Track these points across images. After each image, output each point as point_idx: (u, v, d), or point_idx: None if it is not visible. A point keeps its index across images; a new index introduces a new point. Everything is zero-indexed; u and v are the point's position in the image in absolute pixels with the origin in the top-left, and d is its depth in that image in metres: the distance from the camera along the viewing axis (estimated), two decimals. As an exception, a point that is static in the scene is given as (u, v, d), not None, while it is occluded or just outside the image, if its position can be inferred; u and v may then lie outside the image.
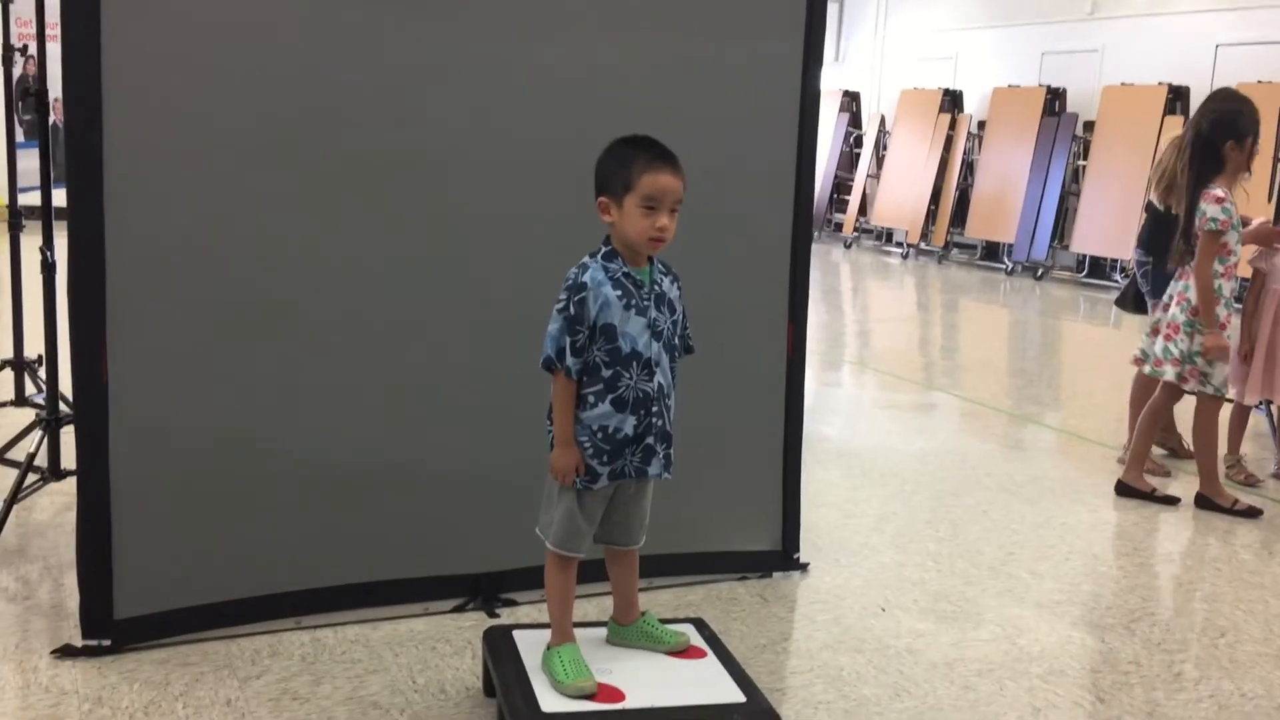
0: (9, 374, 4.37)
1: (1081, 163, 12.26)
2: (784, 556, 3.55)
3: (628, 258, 2.46)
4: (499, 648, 2.60)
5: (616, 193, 2.41)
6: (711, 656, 2.63)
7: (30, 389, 4.35)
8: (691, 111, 3.23)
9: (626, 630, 2.66)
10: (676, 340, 2.54)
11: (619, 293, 2.42)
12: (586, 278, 2.42)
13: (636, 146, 2.41)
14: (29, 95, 3.46)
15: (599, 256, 2.46)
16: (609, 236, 2.48)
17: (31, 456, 3.61)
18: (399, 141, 2.97)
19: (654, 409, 2.47)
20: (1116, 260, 11.73)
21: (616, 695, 2.42)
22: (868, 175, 15.24)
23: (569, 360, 2.40)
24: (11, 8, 4.03)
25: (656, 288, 2.49)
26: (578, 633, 2.56)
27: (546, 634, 2.56)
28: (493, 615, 3.12)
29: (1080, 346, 8.82)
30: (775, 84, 3.35)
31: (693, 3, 3.22)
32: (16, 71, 4.15)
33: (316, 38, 2.85)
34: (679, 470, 2.60)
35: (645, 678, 2.51)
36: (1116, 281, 11.64)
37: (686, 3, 3.22)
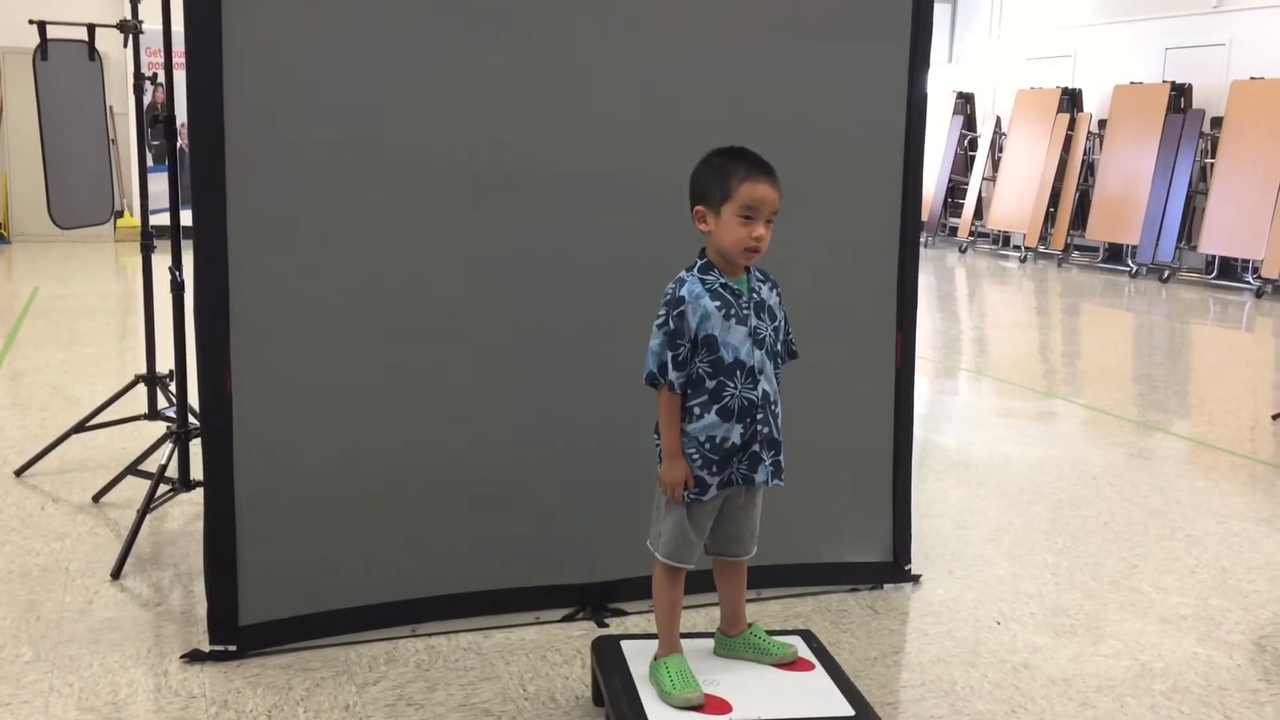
0: (142, 389, 4.56)
1: (1209, 160, 11.83)
2: (895, 568, 3.50)
3: (724, 268, 2.47)
4: (607, 657, 2.62)
5: (714, 202, 2.42)
6: (820, 669, 2.61)
7: (162, 403, 4.54)
8: (796, 118, 3.22)
9: (733, 642, 2.65)
10: (779, 346, 2.54)
11: (718, 303, 2.43)
12: (684, 291, 2.43)
13: (735, 157, 2.43)
14: (158, 122, 3.61)
15: (695, 269, 2.47)
16: (703, 249, 2.50)
17: (163, 468, 3.77)
18: (514, 159, 3.02)
19: (759, 416, 2.46)
20: (1249, 260, 11.28)
21: (723, 706, 2.42)
22: (983, 178, 14.93)
23: (672, 374, 2.42)
24: (141, 38, 4.22)
25: (755, 295, 2.49)
26: (685, 643, 2.57)
27: (654, 644, 2.57)
28: (601, 625, 3.15)
29: (1210, 351, 8.49)
30: (881, 88, 3.32)
31: (796, 9, 3.21)
32: (147, 99, 4.34)
33: (432, 60, 2.91)
34: (788, 481, 2.58)
35: (752, 689, 2.50)
36: (1249, 283, 11.20)
37: (790, 9, 3.21)
